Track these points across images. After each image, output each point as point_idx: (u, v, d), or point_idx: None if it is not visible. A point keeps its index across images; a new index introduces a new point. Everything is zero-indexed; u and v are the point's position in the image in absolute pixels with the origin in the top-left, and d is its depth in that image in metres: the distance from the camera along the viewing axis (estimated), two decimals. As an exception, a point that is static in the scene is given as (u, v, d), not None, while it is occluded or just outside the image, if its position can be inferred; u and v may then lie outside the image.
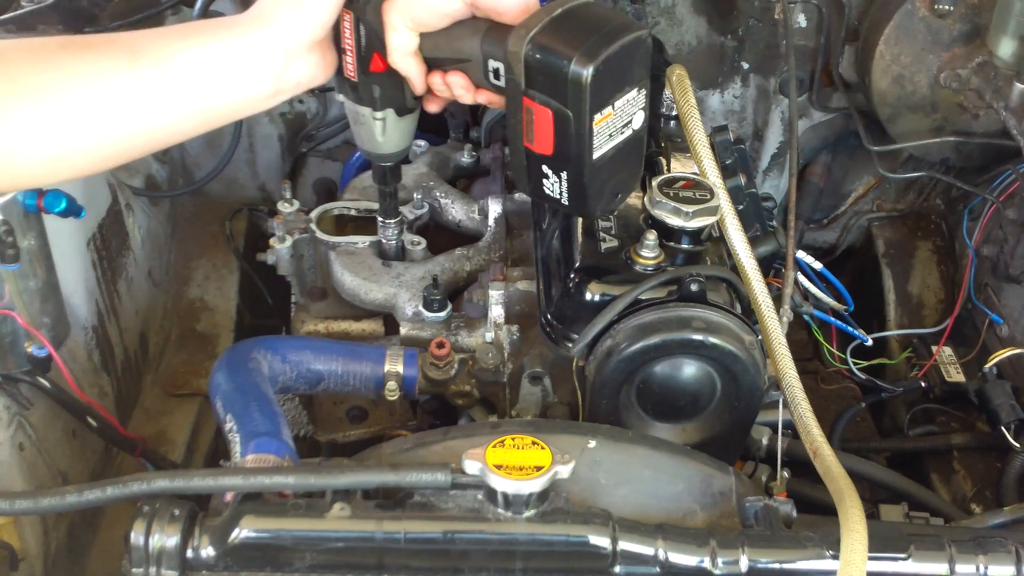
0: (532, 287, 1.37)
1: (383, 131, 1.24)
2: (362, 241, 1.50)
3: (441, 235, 1.59)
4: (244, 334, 1.87)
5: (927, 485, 1.59)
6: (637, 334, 1.16)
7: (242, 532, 0.93)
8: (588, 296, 1.21)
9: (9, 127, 0.92)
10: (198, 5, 1.70)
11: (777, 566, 0.97)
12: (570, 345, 1.22)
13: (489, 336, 1.35)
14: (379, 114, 1.21)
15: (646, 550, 0.95)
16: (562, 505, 0.96)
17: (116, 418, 1.50)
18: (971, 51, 1.79)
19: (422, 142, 1.73)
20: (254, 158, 2.14)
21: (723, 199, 1.24)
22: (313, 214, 1.54)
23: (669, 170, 1.39)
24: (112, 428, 1.45)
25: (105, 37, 0.99)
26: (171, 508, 0.93)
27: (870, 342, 1.66)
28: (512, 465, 0.93)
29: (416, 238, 1.50)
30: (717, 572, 0.95)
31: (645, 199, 1.24)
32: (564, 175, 1.08)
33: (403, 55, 1.11)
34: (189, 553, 0.93)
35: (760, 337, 1.22)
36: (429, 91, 1.17)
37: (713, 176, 1.27)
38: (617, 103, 1.05)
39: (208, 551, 0.93)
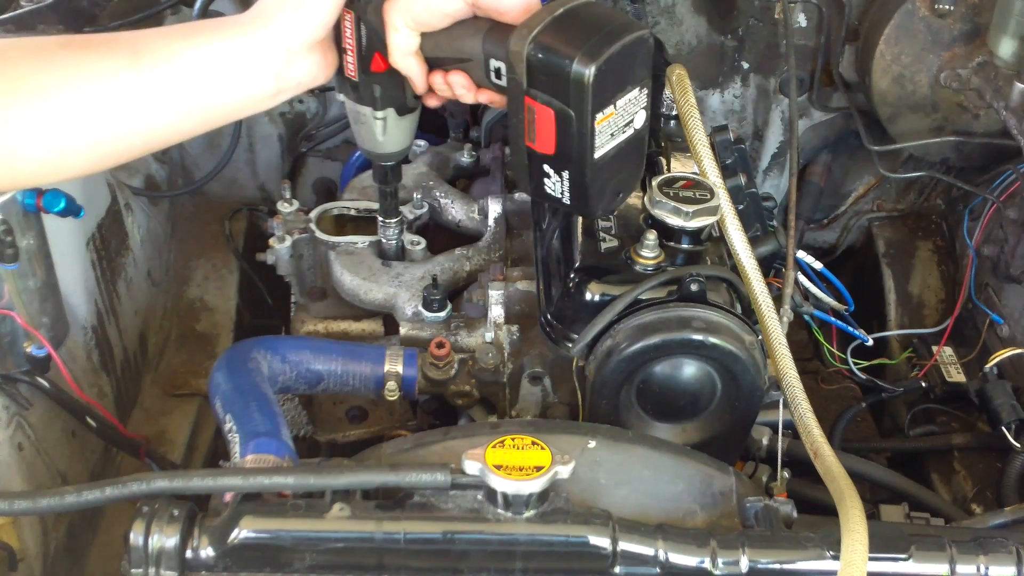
0: (532, 287, 1.37)
1: (384, 131, 1.24)
2: (362, 241, 1.50)
3: (441, 235, 1.58)
4: (244, 334, 1.87)
5: (927, 485, 1.59)
6: (637, 334, 1.16)
7: (241, 532, 0.93)
8: (588, 296, 1.21)
9: (9, 126, 0.92)
10: (197, 5, 1.70)
11: (777, 566, 0.97)
12: (570, 345, 1.21)
13: (489, 336, 1.35)
14: (380, 114, 1.21)
15: (646, 550, 0.95)
16: (562, 505, 0.96)
17: (115, 418, 1.50)
18: (971, 51, 1.79)
19: (422, 142, 1.73)
20: (254, 158, 2.14)
21: (723, 199, 1.24)
22: (313, 214, 1.53)
23: (669, 170, 1.39)
24: (114, 429, 1.45)
25: (106, 36, 0.99)
26: (170, 508, 0.93)
27: (870, 342, 1.66)
28: (512, 465, 0.93)
29: (416, 238, 1.50)
30: (717, 572, 0.95)
31: (645, 199, 1.24)
32: (566, 174, 1.08)
33: (404, 55, 1.11)
34: (188, 553, 0.92)
35: (760, 337, 1.22)
36: (430, 90, 1.16)
37: (713, 176, 1.27)
38: (619, 102, 1.05)
39: (207, 551, 0.93)
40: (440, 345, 1.31)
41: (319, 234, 1.50)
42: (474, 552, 0.94)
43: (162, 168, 1.97)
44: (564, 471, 0.93)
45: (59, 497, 0.93)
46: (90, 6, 1.76)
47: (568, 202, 1.10)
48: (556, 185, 1.09)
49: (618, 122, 1.07)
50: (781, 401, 1.21)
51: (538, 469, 0.93)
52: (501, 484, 0.92)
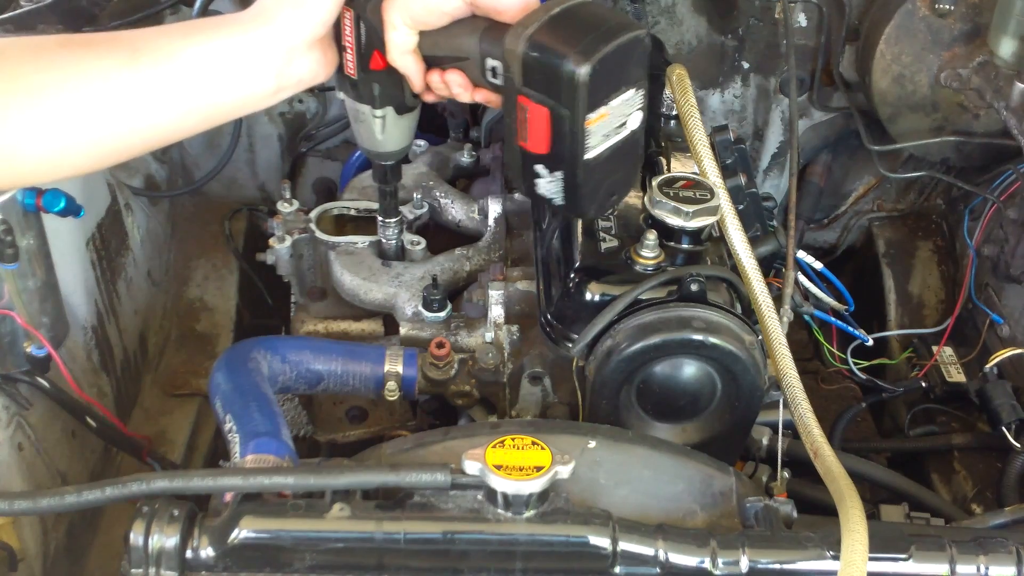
0: (532, 287, 1.37)
1: (382, 129, 1.24)
2: (362, 241, 1.50)
3: (441, 235, 1.58)
4: (244, 334, 1.87)
5: (928, 485, 1.59)
6: (637, 334, 1.16)
7: (241, 532, 0.93)
8: (588, 296, 1.21)
9: (10, 125, 0.92)
10: (197, 5, 1.70)
11: (777, 567, 0.97)
12: (570, 345, 1.21)
13: (489, 336, 1.35)
14: (379, 112, 1.21)
15: (646, 550, 0.95)
16: (562, 505, 0.96)
17: (116, 418, 1.50)
18: (972, 51, 1.79)
19: (422, 142, 1.73)
20: (254, 158, 2.14)
21: (723, 199, 1.24)
22: (313, 214, 1.53)
23: (669, 170, 1.39)
24: (115, 429, 1.45)
25: (106, 35, 0.99)
26: (170, 508, 0.93)
27: (870, 342, 1.66)
28: (512, 465, 0.93)
29: (416, 238, 1.50)
30: (717, 572, 0.95)
31: (645, 199, 1.24)
32: (559, 175, 1.07)
33: (402, 53, 1.11)
34: (188, 553, 0.92)
35: (760, 337, 1.22)
36: (428, 89, 1.16)
37: (713, 176, 1.27)
38: (613, 103, 1.04)
39: (207, 551, 0.93)
40: (440, 345, 1.31)
41: (319, 234, 1.50)
42: (474, 552, 0.94)
43: (162, 168, 1.97)
44: (564, 471, 0.93)
45: (59, 497, 0.93)
46: (90, 6, 1.76)
47: (561, 202, 1.09)
48: (549, 185, 1.08)
49: (612, 123, 1.06)
50: (781, 401, 1.21)
51: (538, 469, 0.93)
52: (501, 484, 0.92)
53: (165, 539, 0.91)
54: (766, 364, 1.22)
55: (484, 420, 1.35)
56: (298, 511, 0.95)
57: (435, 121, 1.85)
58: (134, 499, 0.93)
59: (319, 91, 2.05)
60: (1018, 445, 1.52)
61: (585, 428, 1.13)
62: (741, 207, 1.37)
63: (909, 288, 2.02)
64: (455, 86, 1.12)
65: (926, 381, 1.74)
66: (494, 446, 0.94)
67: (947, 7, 1.76)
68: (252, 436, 1.07)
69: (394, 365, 1.29)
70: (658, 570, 0.95)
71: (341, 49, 1.14)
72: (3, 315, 1.26)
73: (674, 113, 1.47)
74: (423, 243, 1.50)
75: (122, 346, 1.65)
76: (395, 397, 1.29)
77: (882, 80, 1.85)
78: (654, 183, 1.23)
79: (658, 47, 1.68)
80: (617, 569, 0.94)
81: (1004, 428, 1.54)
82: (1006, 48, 1.68)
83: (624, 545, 0.94)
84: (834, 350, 1.70)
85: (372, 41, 1.12)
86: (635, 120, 1.09)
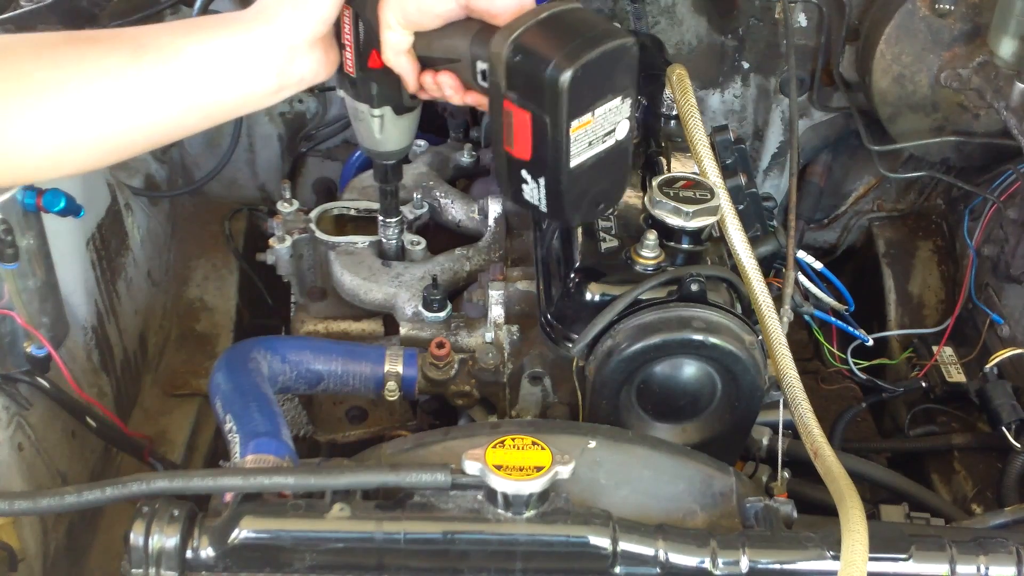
0: (532, 287, 1.37)
1: (381, 128, 1.24)
2: (362, 241, 1.50)
3: (441, 235, 1.58)
4: (244, 334, 1.87)
5: (928, 485, 1.59)
6: (637, 334, 1.16)
7: (242, 532, 0.93)
8: (588, 296, 1.21)
9: (14, 122, 0.92)
10: (197, 4, 1.70)
11: (777, 567, 0.97)
12: (570, 345, 1.21)
13: (489, 336, 1.35)
14: (377, 111, 1.21)
15: (646, 551, 0.95)
16: (562, 505, 0.96)
17: (116, 418, 1.50)
18: (972, 51, 1.79)
19: (422, 142, 1.73)
20: (254, 158, 2.14)
21: (723, 199, 1.24)
22: (313, 214, 1.53)
23: (669, 170, 1.39)
24: (116, 429, 1.45)
25: (109, 32, 0.99)
26: (170, 508, 0.93)
27: (871, 342, 1.66)
28: (512, 465, 0.93)
29: (416, 238, 1.50)
30: (717, 573, 0.95)
31: (645, 199, 1.24)
32: (542, 181, 1.05)
33: (396, 53, 1.11)
34: (188, 553, 0.92)
35: (760, 337, 1.22)
36: (421, 89, 1.16)
37: (713, 176, 1.27)
38: (597, 111, 1.02)
39: (207, 551, 0.93)
40: (440, 345, 1.31)
41: (319, 234, 1.50)
42: (474, 552, 0.94)
43: (162, 168, 1.97)
44: (564, 471, 0.93)
45: (59, 497, 0.93)
46: (90, 6, 1.76)
47: (545, 209, 1.07)
48: (533, 192, 1.06)
49: (597, 131, 1.03)
50: (781, 401, 1.21)
51: (538, 469, 0.93)
52: (501, 484, 0.92)
53: (165, 539, 0.91)
54: (766, 364, 1.22)
55: (484, 420, 1.35)
56: (298, 511, 0.95)
57: (435, 121, 1.85)
58: (134, 499, 0.93)
59: (319, 91, 2.05)
60: (1018, 445, 1.52)
61: (585, 428, 1.13)
62: (741, 207, 1.37)
63: (909, 288, 2.02)
64: (447, 88, 1.12)
65: (926, 381, 1.74)
66: (494, 446, 0.94)
67: (947, 7, 1.76)
68: (252, 436, 1.07)
69: (394, 365, 1.30)
70: (658, 570, 0.95)
71: (341, 47, 1.14)
72: (3, 315, 1.26)
73: (674, 113, 1.47)
74: (423, 243, 1.50)
75: (122, 346, 1.65)
76: (395, 397, 1.30)
77: (882, 80, 1.85)
78: (654, 183, 1.23)
79: (658, 47, 1.68)
80: (617, 569, 0.95)
81: (1004, 428, 1.54)
82: (1006, 48, 1.68)
83: (624, 545, 0.94)
84: (834, 350, 1.70)
85: (370, 40, 1.12)
86: (622, 130, 1.06)
